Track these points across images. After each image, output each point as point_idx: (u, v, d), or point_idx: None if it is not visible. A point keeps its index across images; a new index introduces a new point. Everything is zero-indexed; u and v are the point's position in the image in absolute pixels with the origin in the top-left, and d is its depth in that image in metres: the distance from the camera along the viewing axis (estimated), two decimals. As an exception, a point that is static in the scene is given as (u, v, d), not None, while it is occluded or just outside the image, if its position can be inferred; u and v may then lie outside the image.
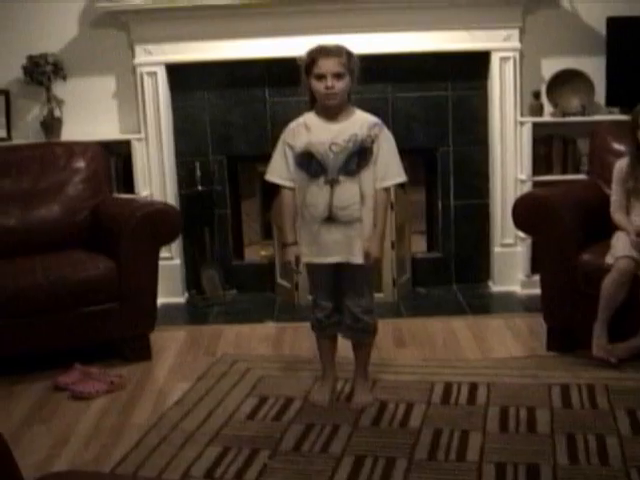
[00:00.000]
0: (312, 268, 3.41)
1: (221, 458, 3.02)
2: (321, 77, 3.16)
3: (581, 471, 2.83)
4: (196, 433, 3.24)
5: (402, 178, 3.35)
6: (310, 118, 3.28)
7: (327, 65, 3.15)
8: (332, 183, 3.21)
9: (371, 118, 3.29)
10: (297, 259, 3.34)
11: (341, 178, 3.21)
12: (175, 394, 3.65)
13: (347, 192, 3.22)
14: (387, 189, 3.33)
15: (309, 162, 3.23)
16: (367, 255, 3.26)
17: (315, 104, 3.28)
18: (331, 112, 3.24)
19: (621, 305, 3.64)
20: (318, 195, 3.23)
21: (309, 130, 3.25)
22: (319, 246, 3.29)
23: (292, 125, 3.31)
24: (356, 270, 3.32)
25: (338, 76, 3.16)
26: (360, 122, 3.25)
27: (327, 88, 3.15)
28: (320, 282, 3.42)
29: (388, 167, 3.28)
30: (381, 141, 3.26)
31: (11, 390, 3.73)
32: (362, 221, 3.25)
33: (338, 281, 3.39)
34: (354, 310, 3.38)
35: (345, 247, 3.27)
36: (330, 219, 3.23)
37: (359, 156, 3.22)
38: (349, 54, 3.21)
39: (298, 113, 3.33)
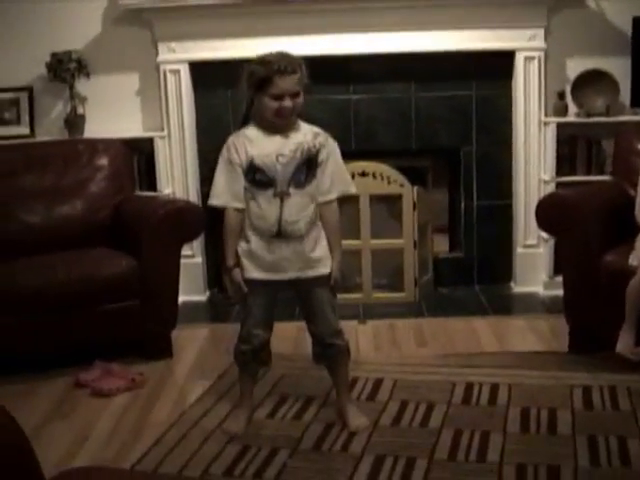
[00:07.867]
0: (253, 288, 3.11)
1: (241, 456, 3.02)
2: (277, 97, 2.93)
3: (602, 473, 2.81)
4: (216, 431, 3.24)
5: (349, 189, 3.15)
6: (250, 131, 3.05)
7: (285, 85, 2.93)
8: (282, 196, 3.00)
9: (315, 128, 3.09)
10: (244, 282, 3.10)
11: (291, 190, 3.01)
12: (196, 392, 3.66)
13: (297, 205, 3.02)
14: (333, 201, 3.12)
15: (254, 175, 3.01)
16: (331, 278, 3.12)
17: (255, 117, 3.05)
18: (277, 126, 3.02)
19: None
20: (267, 209, 3.02)
21: (251, 143, 3.01)
22: (268, 262, 3.06)
23: (231, 140, 3.06)
24: (312, 289, 3.14)
25: (295, 95, 2.96)
26: (303, 131, 3.05)
27: (283, 109, 2.94)
28: (258, 307, 3.15)
29: (334, 178, 3.08)
30: (326, 151, 3.06)
31: (32, 387, 3.74)
32: (313, 235, 3.08)
33: (300, 307, 3.27)
34: (321, 337, 3.20)
35: (296, 263, 3.07)
36: (280, 235, 3.02)
37: (307, 166, 3.02)
38: (302, 67, 2.99)
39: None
